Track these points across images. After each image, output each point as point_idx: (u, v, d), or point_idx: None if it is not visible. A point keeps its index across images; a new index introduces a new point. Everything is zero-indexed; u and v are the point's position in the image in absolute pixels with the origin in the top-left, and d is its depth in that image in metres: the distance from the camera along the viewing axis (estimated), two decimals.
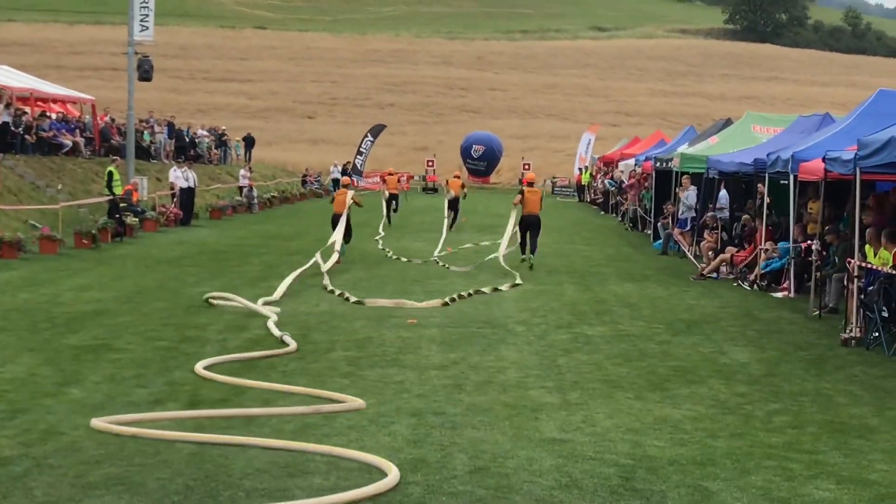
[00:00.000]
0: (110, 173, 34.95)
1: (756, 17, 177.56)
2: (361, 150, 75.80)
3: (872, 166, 16.12)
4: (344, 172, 61.49)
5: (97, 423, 10.62)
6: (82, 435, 10.39)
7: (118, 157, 38.33)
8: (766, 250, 23.31)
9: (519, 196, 27.97)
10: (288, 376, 13.19)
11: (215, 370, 13.35)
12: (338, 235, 27.29)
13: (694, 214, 30.12)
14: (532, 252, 27.32)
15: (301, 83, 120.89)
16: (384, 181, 50.32)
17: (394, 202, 43.37)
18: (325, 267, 24.39)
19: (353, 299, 20.21)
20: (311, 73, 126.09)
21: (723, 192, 28.43)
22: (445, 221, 37.26)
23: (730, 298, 21.71)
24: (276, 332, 16.09)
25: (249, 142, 67.10)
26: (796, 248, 21.72)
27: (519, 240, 27.88)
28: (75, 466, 9.37)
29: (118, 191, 34.24)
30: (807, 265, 21.35)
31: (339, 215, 28.26)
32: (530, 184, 29.24)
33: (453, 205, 39.12)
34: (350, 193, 29.24)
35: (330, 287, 21.82)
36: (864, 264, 16.85)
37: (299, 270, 23.48)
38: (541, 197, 28.19)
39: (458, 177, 41.80)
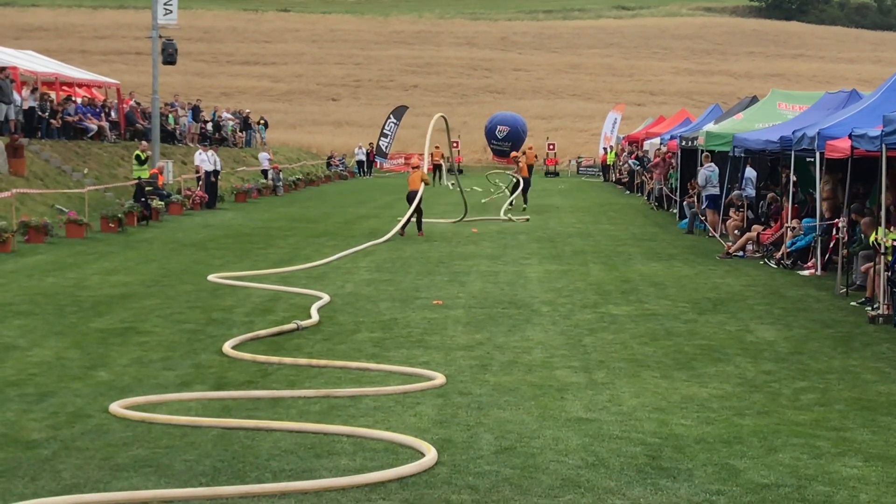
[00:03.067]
0: (137, 156, 35.26)
1: None
2: (385, 132, 75.75)
3: None
4: (368, 155, 61.43)
5: (115, 408, 10.66)
6: (109, 417, 10.44)
7: (144, 142, 38.47)
8: (793, 228, 23.19)
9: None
10: (314, 358, 13.20)
11: (242, 350, 13.41)
12: (410, 212, 29.33)
13: (717, 192, 29.94)
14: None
15: (324, 65, 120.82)
16: (432, 156, 60.07)
17: (437, 171, 58.69)
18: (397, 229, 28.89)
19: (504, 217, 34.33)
20: (334, 55, 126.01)
21: (749, 170, 28.27)
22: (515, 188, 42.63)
23: (756, 277, 21.62)
24: (315, 316, 16.07)
25: (263, 124, 67.09)
26: (822, 226, 21.61)
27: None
28: (103, 449, 9.42)
29: (145, 174, 34.38)
30: (833, 243, 21.26)
31: (414, 192, 29.46)
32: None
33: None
34: (420, 172, 30.71)
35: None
36: (891, 243, 16.75)
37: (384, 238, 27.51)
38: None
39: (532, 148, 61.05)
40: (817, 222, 21.74)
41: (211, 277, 20.26)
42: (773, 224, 25.14)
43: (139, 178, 34.07)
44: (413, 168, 32.76)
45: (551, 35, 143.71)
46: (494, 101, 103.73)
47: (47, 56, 50.49)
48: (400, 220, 29.50)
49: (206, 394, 11.39)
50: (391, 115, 76.77)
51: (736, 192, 28.01)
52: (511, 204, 38.56)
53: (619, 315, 16.76)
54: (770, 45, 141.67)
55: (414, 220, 29.45)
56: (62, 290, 18.63)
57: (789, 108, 29.61)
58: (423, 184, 29.76)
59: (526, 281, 20.67)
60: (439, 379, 11.95)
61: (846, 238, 19.73)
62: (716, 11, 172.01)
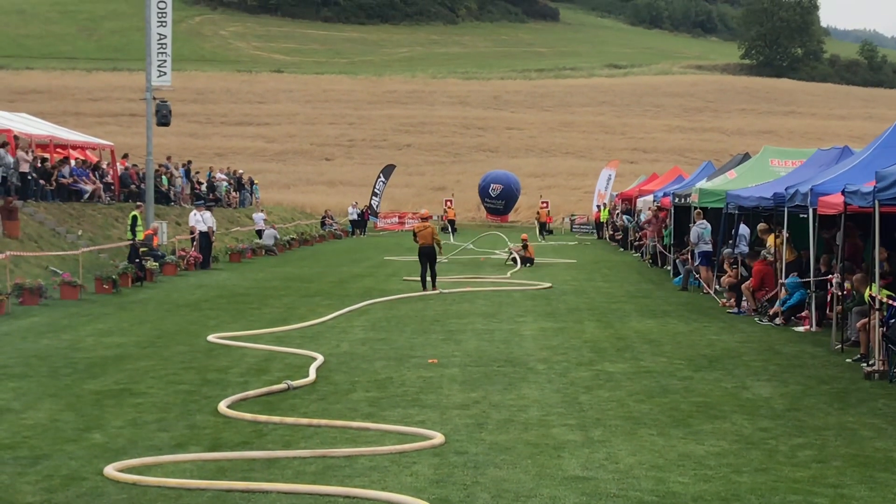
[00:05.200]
0: (134, 217, 35.23)
1: (772, 51, 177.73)
2: (376, 191, 76.18)
3: (891, 198, 16.08)
4: (362, 214, 61.69)
5: (110, 470, 10.60)
6: (104, 480, 10.38)
7: (142, 203, 38.52)
8: (785, 285, 23.23)
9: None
10: (309, 417, 13.15)
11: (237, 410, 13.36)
12: (430, 272, 30.02)
13: (709, 249, 30.03)
14: None
15: (318, 125, 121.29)
16: (445, 213, 72.67)
17: (450, 225, 68.71)
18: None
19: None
20: (327, 115, 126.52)
21: (742, 227, 28.35)
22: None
23: (751, 333, 21.62)
24: (312, 375, 16.08)
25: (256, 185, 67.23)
26: (813, 283, 21.63)
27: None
28: None
29: (140, 235, 34.40)
30: (826, 299, 21.31)
31: (427, 247, 29.88)
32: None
33: (543, 227, 66.49)
34: (433, 228, 31.04)
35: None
36: (885, 300, 16.78)
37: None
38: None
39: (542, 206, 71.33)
40: (811, 279, 21.76)
41: (210, 338, 20.26)
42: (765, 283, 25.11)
43: (133, 238, 34.08)
44: (423, 219, 32.27)
45: (543, 93, 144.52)
46: (487, 160, 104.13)
47: (41, 118, 50.71)
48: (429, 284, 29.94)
49: (202, 455, 11.34)
50: (380, 174, 77.26)
51: (727, 250, 28.06)
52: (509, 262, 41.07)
53: (615, 372, 16.74)
54: (761, 103, 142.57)
55: (427, 276, 30.00)
56: (56, 352, 18.58)
57: (782, 165, 29.74)
58: (436, 245, 30.08)
59: (521, 339, 20.66)
60: (438, 438, 11.91)
61: (840, 294, 19.76)
62: (707, 69, 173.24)
